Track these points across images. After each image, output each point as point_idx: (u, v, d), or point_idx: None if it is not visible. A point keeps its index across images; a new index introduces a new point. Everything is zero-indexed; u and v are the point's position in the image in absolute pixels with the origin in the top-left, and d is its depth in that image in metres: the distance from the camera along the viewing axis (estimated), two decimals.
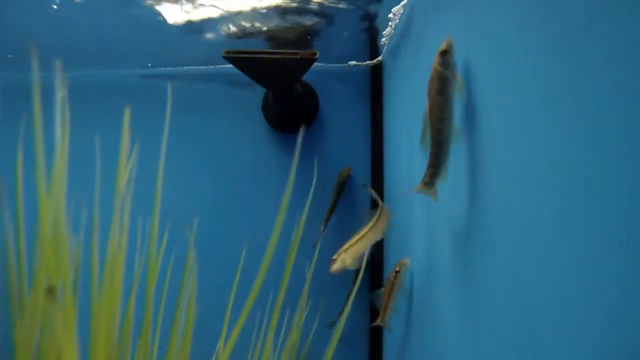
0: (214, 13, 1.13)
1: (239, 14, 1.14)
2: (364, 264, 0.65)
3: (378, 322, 0.96)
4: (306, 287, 0.65)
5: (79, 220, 0.56)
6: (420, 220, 0.87)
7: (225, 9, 1.11)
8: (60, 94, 0.42)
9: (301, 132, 0.51)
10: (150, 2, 1.07)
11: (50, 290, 0.36)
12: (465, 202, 0.57)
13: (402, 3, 1.05)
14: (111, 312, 0.47)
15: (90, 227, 0.52)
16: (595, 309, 0.30)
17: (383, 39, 1.28)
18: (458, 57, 0.56)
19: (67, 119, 0.43)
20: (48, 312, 0.43)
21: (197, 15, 1.14)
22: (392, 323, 0.97)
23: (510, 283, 0.44)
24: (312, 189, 0.59)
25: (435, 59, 0.55)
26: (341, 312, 1.36)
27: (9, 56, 1.32)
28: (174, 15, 1.14)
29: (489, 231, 0.50)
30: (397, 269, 0.93)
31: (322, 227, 1.35)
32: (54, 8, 1.09)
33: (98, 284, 0.48)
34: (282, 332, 0.69)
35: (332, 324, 1.33)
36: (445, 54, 0.54)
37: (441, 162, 0.56)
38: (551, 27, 0.37)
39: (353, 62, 1.47)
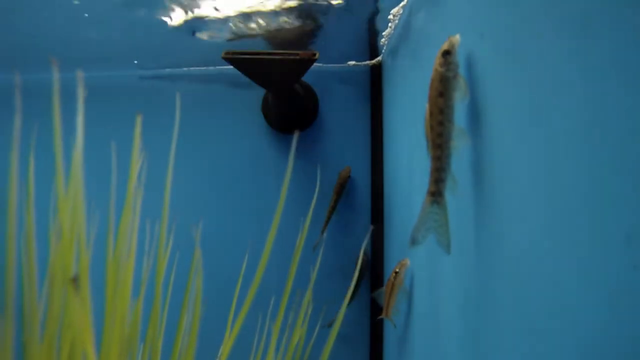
0: (214, 14, 1.14)
1: (238, 14, 1.14)
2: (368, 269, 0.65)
3: (383, 315, 0.96)
4: (309, 288, 0.66)
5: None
6: None
7: (225, 9, 1.11)
8: (57, 96, 0.42)
9: (296, 135, 0.51)
10: (151, 2, 1.07)
11: (74, 280, 0.38)
12: (468, 202, 0.57)
13: (402, 4, 1.06)
14: (121, 310, 0.48)
15: (95, 230, 0.52)
16: (597, 310, 0.30)
17: (383, 39, 1.28)
18: (459, 57, 0.54)
19: (82, 120, 0.43)
20: (66, 304, 0.45)
21: (196, 16, 1.15)
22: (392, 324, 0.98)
23: (514, 283, 0.44)
24: (316, 190, 0.59)
25: (436, 59, 0.53)
26: (339, 311, 1.37)
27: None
28: (173, 16, 1.14)
29: (492, 232, 0.50)
30: (397, 269, 0.93)
31: (323, 229, 1.35)
32: (54, 9, 1.09)
33: (110, 281, 0.49)
34: (285, 334, 0.70)
35: (331, 324, 1.33)
36: (447, 54, 0.52)
37: (444, 166, 0.53)
38: (556, 25, 0.37)
39: (352, 62, 1.47)
